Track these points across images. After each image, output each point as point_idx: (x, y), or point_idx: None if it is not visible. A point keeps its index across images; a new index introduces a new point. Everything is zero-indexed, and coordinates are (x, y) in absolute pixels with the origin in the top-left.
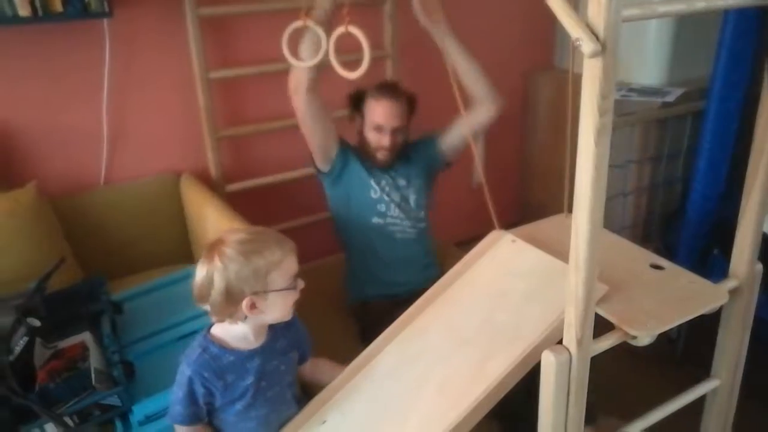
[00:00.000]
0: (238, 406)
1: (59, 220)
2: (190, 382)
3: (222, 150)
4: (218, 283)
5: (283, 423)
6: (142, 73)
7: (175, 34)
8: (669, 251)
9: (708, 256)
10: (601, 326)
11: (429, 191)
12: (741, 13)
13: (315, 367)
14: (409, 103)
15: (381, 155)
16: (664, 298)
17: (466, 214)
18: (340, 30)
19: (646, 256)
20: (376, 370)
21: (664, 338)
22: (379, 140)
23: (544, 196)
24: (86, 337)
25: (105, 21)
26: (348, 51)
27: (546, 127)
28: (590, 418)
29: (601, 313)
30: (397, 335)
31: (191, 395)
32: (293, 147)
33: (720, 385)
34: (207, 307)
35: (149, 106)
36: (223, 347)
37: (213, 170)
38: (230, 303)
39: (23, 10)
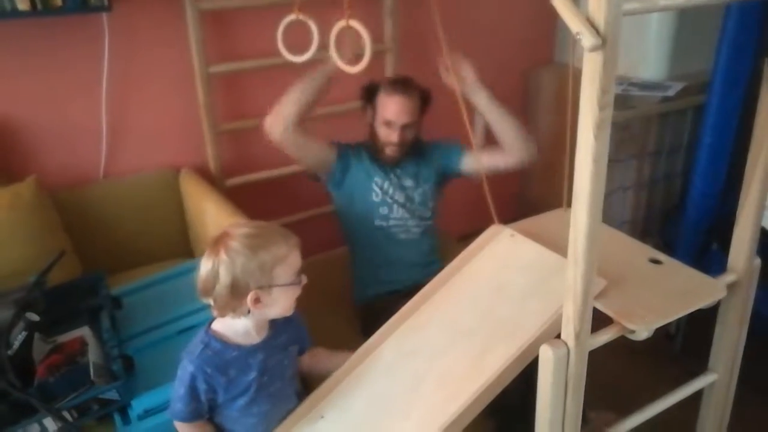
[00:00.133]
0: (241, 401)
1: (59, 215)
2: (193, 378)
3: (222, 144)
4: (224, 277)
5: (284, 418)
6: (142, 67)
7: (175, 28)
8: (668, 246)
9: (707, 251)
10: (600, 321)
11: (438, 193)
12: (743, 6)
13: (312, 357)
14: (423, 100)
15: (389, 150)
16: (663, 292)
17: (465, 209)
18: (341, 24)
19: (645, 251)
20: (375, 365)
21: (663, 333)
22: (388, 135)
23: (543, 191)
24: (85, 331)
25: (104, 15)
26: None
27: (546, 122)
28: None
29: (600, 307)
30: (395, 330)
31: (193, 391)
32: None
33: (717, 379)
34: (210, 302)
35: (149, 100)
36: (226, 342)
37: (213, 164)
38: (235, 297)
39: (22, 4)
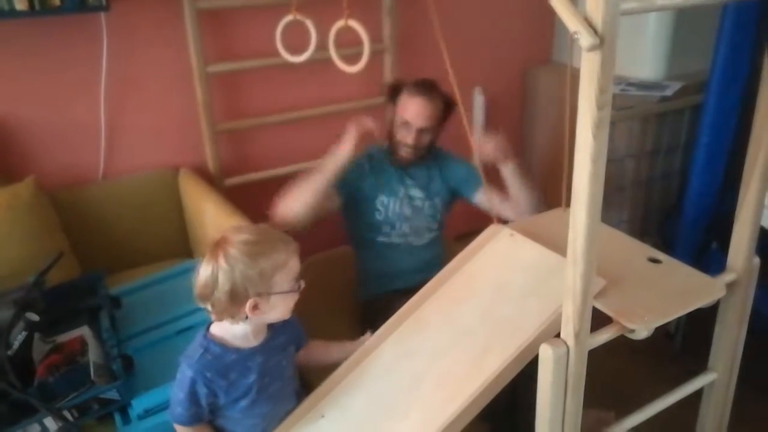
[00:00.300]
0: (242, 403)
1: (57, 215)
2: (193, 383)
3: (220, 144)
4: (223, 284)
5: (283, 418)
6: (140, 67)
7: (173, 27)
8: (667, 245)
9: (706, 250)
10: (599, 320)
11: (447, 209)
12: (740, 5)
13: (308, 350)
14: (446, 107)
15: (404, 152)
16: (662, 291)
17: (465, 208)
18: (339, 23)
19: (644, 250)
20: (375, 364)
21: (662, 332)
22: (404, 136)
23: (542, 190)
24: (85, 331)
25: (102, 14)
26: (347, 45)
27: (544, 122)
28: None
29: (599, 306)
30: (395, 329)
31: (193, 396)
32: (292, 141)
33: (717, 378)
34: (208, 307)
35: (147, 100)
36: (225, 346)
37: (211, 164)
38: (234, 304)
39: (20, 4)
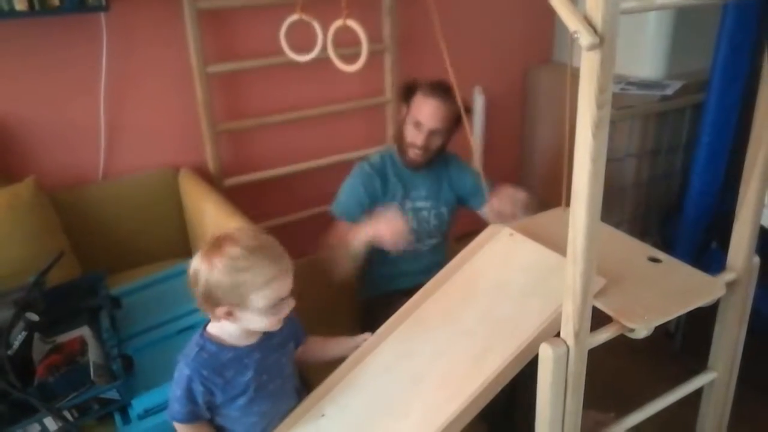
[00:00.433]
0: (241, 401)
1: (58, 215)
2: (189, 380)
3: (220, 144)
4: (201, 284)
5: (284, 416)
6: (140, 67)
7: (173, 27)
8: (667, 245)
9: (706, 249)
10: (599, 319)
11: (453, 215)
12: (741, 4)
13: (306, 347)
14: (460, 111)
15: (412, 153)
16: (662, 290)
17: (465, 209)
18: (338, 23)
19: (644, 249)
20: (375, 363)
21: (662, 331)
22: (414, 136)
23: (542, 190)
24: (85, 331)
25: (102, 15)
26: (346, 44)
27: (545, 121)
28: None
29: (599, 305)
30: (395, 328)
31: (189, 394)
32: (292, 141)
33: (717, 377)
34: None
35: (147, 100)
36: (221, 344)
37: (211, 164)
38: (208, 304)
39: (20, 4)
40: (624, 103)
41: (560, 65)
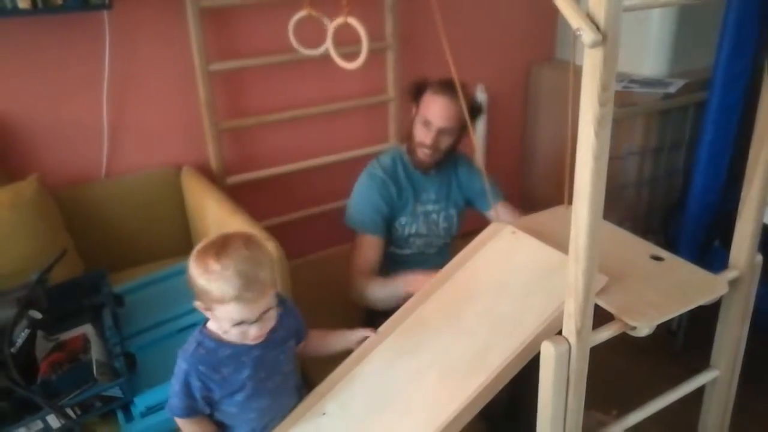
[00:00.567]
0: (239, 397)
1: (60, 213)
2: (186, 375)
3: (223, 142)
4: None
5: (285, 413)
6: (143, 65)
7: (176, 25)
8: (670, 243)
9: (709, 247)
10: (601, 317)
11: (461, 217)
12: (744, 1)
13: (306, 341)
14: (471, 111)
15: (421, 153)
16: (664, 289)
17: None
18: (339, 21)
19: (646, 248)
20: (376, 361)
21: (664, 329)
22: (423, 136)
23: (544, 188)
24: (88, 329)
25: (105, 13)
26: (348, 42)
27: (547, 119)
28: None
29: (601, 303)
30: (397, 326)
31: (187, 388)
32: (294, 139)
33: (719, 375)
34: None
35: (150, 98)
36: (219, 341)
37: (214, 163)
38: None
39: (23, 3)
40: (626, 101)
41: (562, 63)
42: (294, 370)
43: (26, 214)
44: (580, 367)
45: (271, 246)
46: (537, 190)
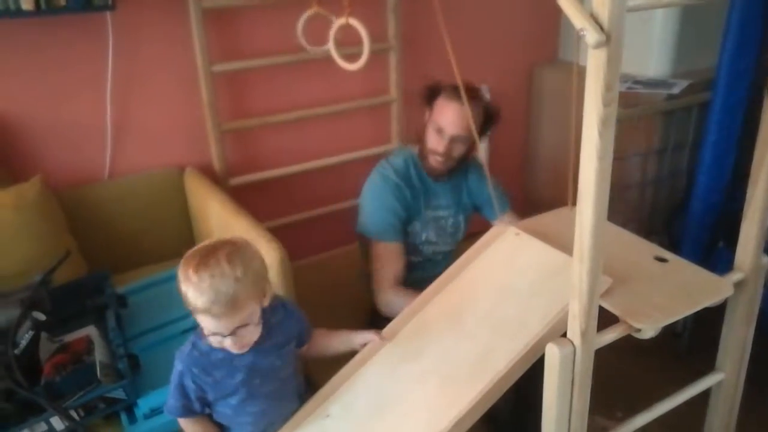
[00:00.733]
0: (232, 401)
1: (64, 214)
2: (181, 376)
3: (226, 143)
4: None
5: (285, 417)
6: (146, 66)
7: (179, 26)
8: (674, 244)
9: (713, 248)
10: (606, 320)
11: (468, 222)
12: (747, 1)
13: (312, 342)
14: (486, 118)
15: (433, 160)
16: (669, 290)
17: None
18: (340, 21)
19: (651, 249)
20: (379, 364)
21: (669, 332)
22: (436, 143)
23: (548, 189)
24: (91, 330)
25: (108, 14)
26: (350, 43)
27: (550, 120)
28: None
29: (605, 305)
30: (401, 329)
31: (182, 389)
32: (297, 140)
33: (725, 378)
34: None
35: (153, 99)
36: (212, 344)
37: (217, 163)
38: None
39: (26, 4)
40: (630, 102)
41: (565, 63)
42: (293, 374)
43: (29, 215)
44: (585, 369)
45: (273, 247)
46: (540, 191)
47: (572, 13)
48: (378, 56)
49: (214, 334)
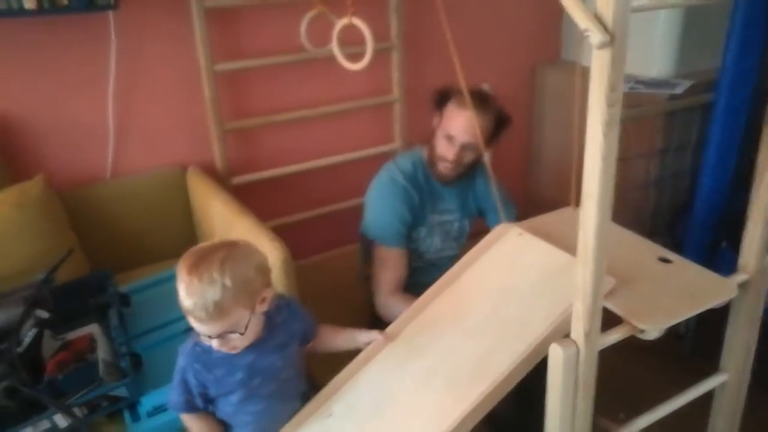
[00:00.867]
0: (233, 399)
1: (66, 213)
2: (183, 372)
3: (228, 143)
4: None
5: (287, 417)
6: (148, 65)
7: (181, 26)
8: (677, 245)
9: (717, 249)
10: (609, 320)
11: (472, 225)
12: (750, 2)
13: (317, 338)
14: (498, 124)
15: (442, 167)
16: (673, 291)
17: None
18: (343, 21)
19: (654, 250)
20: (383, 363)
21: (673, 333)
22: (445, 150)
23: (550, 189)
24: (94, 329)
25: (111, 13)
26: (353, 43)
27: (553, 120)
28: None
29: (609, 306)
30: (404, 328)
31: (184, 384)
32: (299, 139)
33: (728, 379)
34: None
35: (155, 98)
36: None
37: (219, 163)
38: None
39: (29, 3)
40: (633, 103)
41: (568, 64)
42: (296, 375)
43: (32, 214)
44: (588, 370)
45: (276, 246)
46: (543, 192)
47: (577, 13)
48: (381, 56)
49: (205, 336)
